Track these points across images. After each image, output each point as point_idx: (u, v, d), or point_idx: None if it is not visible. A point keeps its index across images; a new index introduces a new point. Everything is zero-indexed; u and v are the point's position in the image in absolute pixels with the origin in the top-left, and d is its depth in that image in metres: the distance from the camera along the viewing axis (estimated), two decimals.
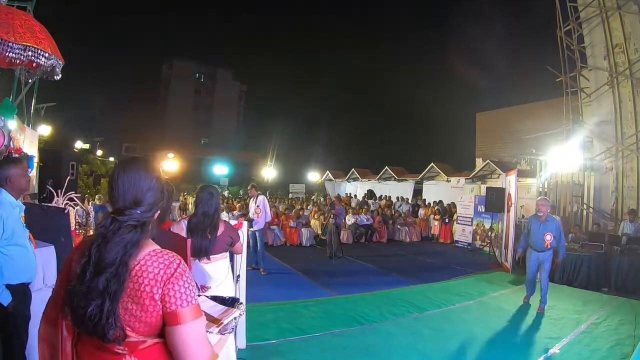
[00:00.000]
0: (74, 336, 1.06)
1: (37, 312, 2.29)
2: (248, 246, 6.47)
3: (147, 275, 1.01)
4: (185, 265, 1.07)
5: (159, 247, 1.10)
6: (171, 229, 2.51)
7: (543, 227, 5.09)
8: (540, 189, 10.01)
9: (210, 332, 1.21)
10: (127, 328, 0.99)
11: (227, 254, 2.79)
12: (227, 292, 2.68)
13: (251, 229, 6.80)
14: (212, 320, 1.26)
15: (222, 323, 1.26)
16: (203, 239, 2.54)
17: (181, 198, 14.03)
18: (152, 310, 0.99)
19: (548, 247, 5.04)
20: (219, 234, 2.63)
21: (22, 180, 2.29)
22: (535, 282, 5.30)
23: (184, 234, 2.52)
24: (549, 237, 5.03)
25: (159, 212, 1.15)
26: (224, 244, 2.67)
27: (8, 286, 2.06)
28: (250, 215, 7.04)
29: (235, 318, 1.30)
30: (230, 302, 1.37)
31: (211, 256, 2.60)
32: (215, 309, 1.34)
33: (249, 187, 7.64)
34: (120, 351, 1.01)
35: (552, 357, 3.70)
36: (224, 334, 1.25)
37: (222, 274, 2.70)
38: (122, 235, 1.02)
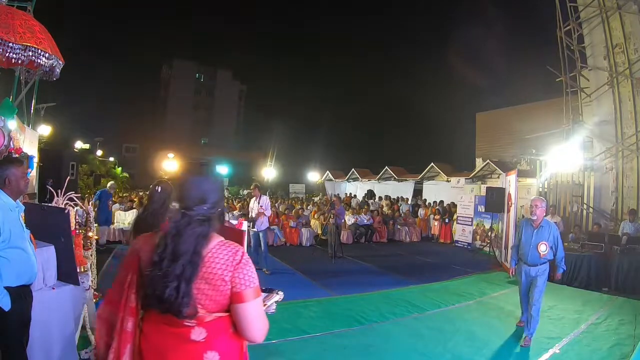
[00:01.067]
0: (137, 316, 1.25)
1: (37, 312, 2.29)
2: (249, 246, 6.45)
3: (218, 261, 1.21)
4: (247, 254, 1.27)
5: (224, 239, 1.29)
6: None
7: (537, 234, 4.11)
8: (540, 189, 10.00)
9: None
10: (199, 306, 1.18)
11: None
12: None
13: (253, 229, 6.77)
14: None
15: (266, 304, 1.47)
16: None
17: None
18: (222, 290, 1.19)
19: (542, 260, 4.08)
20: None
21: (21, 182, 2.23)
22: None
23: None
24: (543, 248, 4.04)
25: (220, 209, 1.34)
26: None
27: (7, 288, 2.03)
28: (254, 215, 6.97)
29: (276, 301, 1.51)
30: (268, 290, 1.56)
31: None
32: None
33: (252, 187, 7.56)
34: (189, 324, 1.19)
35: (552, 357, 3.70)
36: (268, 313, 1.45)
37: None
38: (193, 229, 1.22)
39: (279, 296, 1.53)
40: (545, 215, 4.42)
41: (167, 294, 1.14)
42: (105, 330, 1.28)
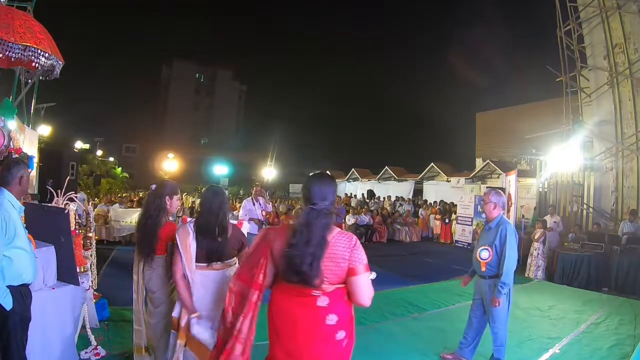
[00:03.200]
0: (262, 290, 1.65)
1: (37, 312, 2.29)
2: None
3: (339, 245, 1.61)
4: (358, 240, 1.67)
5: (340, 229, 1.70)
6: (176, 234, 2.31)
7: (483, 236, 3.30)
8: (540, 189, 10.01)
9: None
10: (325, 279, 1.57)
11: (237, 260, 2.50)
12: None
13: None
14: None
15: None
16: (213, 241, 2.29)
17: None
18: (342, 266, 1.59)
19: (484, 271, 3.16)
20: (228, 235, 2.38)
21: (28, 182, 2.29)
22: (481, 329, 3.40)
23: (190, 238, 2.27)
24: (484, 255, 3.12)
25: (335, 206, 1.74)
26: (233, 248, 2.43)
27: (9, 287, 2.04)
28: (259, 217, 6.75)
29: (371, 279, 1.80)
30: None
31: (225, 260, 2.36)
32: None
33: (256, 187, 7.33)
34: (315, 293, 1.59)
35: (552, 357, 3.70)
36: None
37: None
38: (320, 220, 1.61)
39: (372, 275, 1.81)
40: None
41: (303, 268, 1.53)
42: (236, 300, 1.69)
